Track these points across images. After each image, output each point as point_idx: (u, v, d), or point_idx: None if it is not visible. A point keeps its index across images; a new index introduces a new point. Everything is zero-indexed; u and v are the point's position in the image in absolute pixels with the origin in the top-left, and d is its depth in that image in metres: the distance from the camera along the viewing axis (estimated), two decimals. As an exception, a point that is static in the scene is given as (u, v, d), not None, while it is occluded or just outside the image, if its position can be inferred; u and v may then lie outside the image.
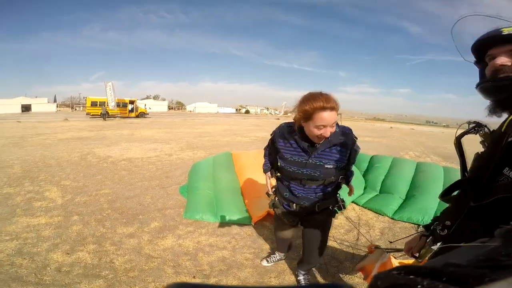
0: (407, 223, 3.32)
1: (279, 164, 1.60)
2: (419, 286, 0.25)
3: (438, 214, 1.06)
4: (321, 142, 1.42)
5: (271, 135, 1.67)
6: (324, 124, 1.31)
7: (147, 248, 2.62)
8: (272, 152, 1.68)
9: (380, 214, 3.55)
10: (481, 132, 0.92)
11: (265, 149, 1.83)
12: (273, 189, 1.79)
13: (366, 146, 10.92)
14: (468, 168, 0.95)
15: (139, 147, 8.77)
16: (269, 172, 1.78)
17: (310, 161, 1.46)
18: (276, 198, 1.74)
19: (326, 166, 1.46)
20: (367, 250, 1.70)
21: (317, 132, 1.34)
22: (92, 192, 4.24)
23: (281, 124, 1.61)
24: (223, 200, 3.58)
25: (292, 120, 1.53)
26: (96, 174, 5.32)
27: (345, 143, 1.46)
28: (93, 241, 2.71)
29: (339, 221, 3.38)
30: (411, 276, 0.27)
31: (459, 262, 0.31)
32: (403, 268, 0.29)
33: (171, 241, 2.79)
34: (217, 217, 3.30)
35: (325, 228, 1.76)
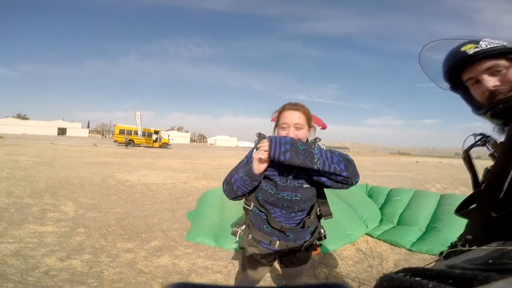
0: (426, 255, 3.06)
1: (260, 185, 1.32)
2: None
3: None
4: None
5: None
6: (286, 121, 1.26)
7: (141, 264, 2.56)
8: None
9: (396, 246, 3.32)
10: (490, 142, 0.88)
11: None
12: (244, 226, 1.42)
13: (389, 180, 10.47)
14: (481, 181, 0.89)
15: (157, 174, 9.02)
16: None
17: (289, 182, 1.26)
18: (250, 236, 1.37)
19: (304, 185, 1.26)
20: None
21: (282, 133, 1.27)
22: (104, 209, 4.35)
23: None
24: (227, 228, 3.51)
25: None
26: (112, 194, 5.49)
27: None
28: (90, 251, 2.72)
29: (347, 253, 3.11)
30: (417, 278, 0.27)
31: (466, 265, 0.31)
32: (409, 270, 0.29)
33: (167, 260, 2.71)
34: (218, 242, 3.21)
35: (308, 263, 1.52)
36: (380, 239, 3.53)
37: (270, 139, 1.15)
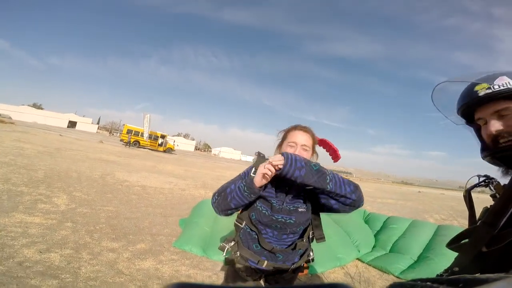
0: (413, 283, 2.99)
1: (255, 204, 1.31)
2: None
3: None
4: None
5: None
6: (295, 141, 1.29)
7: (122, 265, 2.49)
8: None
9: (385, 273, 3.28)
10: (494, 184, 0.89)
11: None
12: (232, 242, 1.39)
13: (387, 208, 10.22)
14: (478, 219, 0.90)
15: (156, 178, 8.99)
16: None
17: (285, 205, 1.26)
18: (238, 253, 1.34)
19: (299, 209, 1.26)
20: None
21: (289, 150, 1.28)
22: (96, 206, 4.32)
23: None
24: (217, 240, 3.44)
25: None
26: (107, 192, 5.47)
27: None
28: (72, 247, 2.67)
29: (335, 275, 3.00)
30: (428, 283, 0.28)
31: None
32: (418, 279, 0.30)
33: (150, 264, 2.64)
34: (206, 252, 3.12)
35: (293, 284, 1.49)
36: (370, 265, 3.50)
37: (286, 155, 1.12)
